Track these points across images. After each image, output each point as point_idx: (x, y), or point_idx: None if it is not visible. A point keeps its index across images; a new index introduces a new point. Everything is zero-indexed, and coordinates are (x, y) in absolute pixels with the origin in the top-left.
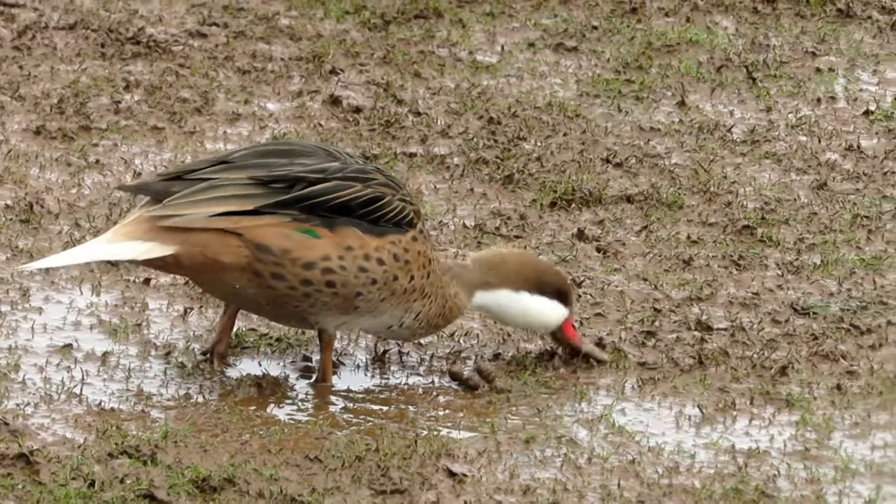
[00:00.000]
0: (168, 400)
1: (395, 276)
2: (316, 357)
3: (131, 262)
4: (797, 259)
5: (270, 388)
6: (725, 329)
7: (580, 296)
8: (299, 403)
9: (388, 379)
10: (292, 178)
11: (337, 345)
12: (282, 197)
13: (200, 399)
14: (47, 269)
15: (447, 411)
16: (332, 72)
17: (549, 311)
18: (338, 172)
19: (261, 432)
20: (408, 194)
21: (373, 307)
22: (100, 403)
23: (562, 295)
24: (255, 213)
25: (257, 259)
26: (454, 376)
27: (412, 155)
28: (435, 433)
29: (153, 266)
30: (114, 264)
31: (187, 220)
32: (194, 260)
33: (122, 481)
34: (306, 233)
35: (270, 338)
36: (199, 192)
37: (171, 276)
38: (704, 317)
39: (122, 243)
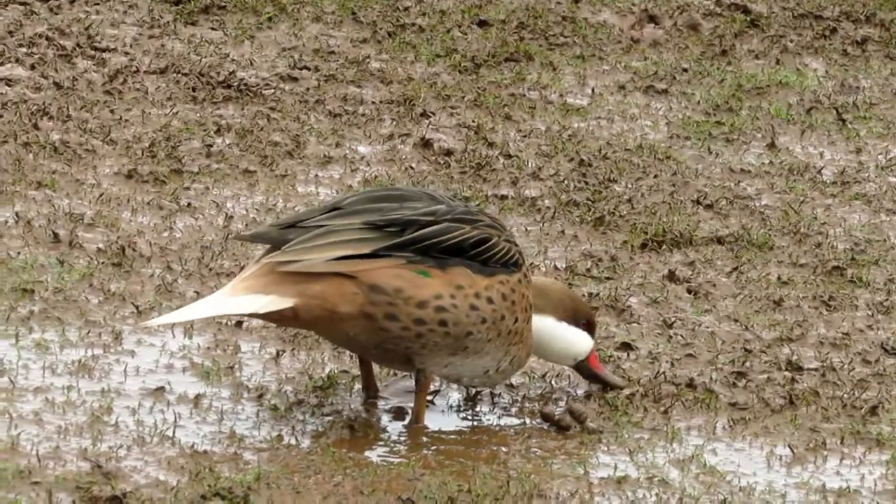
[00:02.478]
0: (261, 442)
1: (502, 315)
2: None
3: (251, 316)
4: (887, 299)
5: (363, 430)
6: (816, 369)
7: (671, 337)
8: (391, 445)
9: (479, 420)
10: (405, 221)
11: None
12: (396, 240)
13: (293, 441)
14: (139, 313)
15: (539, 452)
16: (423, 115)
17: (581, 342)
18: (446, 215)
19: (353, 474)
20: (511, 236)
21: (480, 347)
22: (192, 446)
23: (591, 326)
24: (371, 256)
25: (370, 302)
26: (546, 417)
27: (503, 197)
28: (527, 474)
29: (271, 319)
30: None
31: (306, 266)
32: (312, 312)
33: None
34: (419, 273)
35: None
36: (316, 238)
37: None
38: (795, 357)
39: (244, 297)
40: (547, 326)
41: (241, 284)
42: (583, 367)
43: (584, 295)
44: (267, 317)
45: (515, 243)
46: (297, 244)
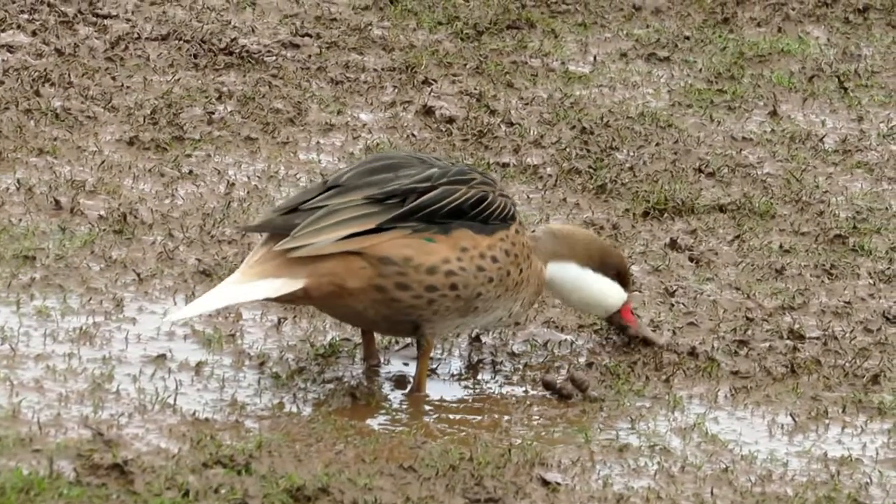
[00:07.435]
0: (262, 410)
1: (507, 271)
2: (403, 368)
3: (265, 300)
4: (889, 268)
5: (364, 398)
6: (818, 338)
7: (673, 305)
8: (393, 413)
9: (481, 388)
10: (404, 190)
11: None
12: (398, 211)
13: (294, 409)
14: (141, 280)
15: (541, 420)
16: (425, 82)
17: (610, 292)
18: (441, 178)
19: (355, 442)
20: (503, 189)
21: (489, 305)
22: (194, 413)
23: (622, 277)
24: (377, 230)
25: (380, 274)
26: (547, 385)
27: (505, 165)
28: (529, 442)
29: (283, 301)
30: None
31: (316, 249)
32: (322, 290)
33: (216, 491)
34: (425, 241)
35: None
36: (322, 219)
37: None
38: (797, 326)
39: (254, 283)
40: (570, 274)
41: (250, 271)
42: (615, 320)
43: None
44: (279, 300)
45: (507, 195)
46: (304, 228)
